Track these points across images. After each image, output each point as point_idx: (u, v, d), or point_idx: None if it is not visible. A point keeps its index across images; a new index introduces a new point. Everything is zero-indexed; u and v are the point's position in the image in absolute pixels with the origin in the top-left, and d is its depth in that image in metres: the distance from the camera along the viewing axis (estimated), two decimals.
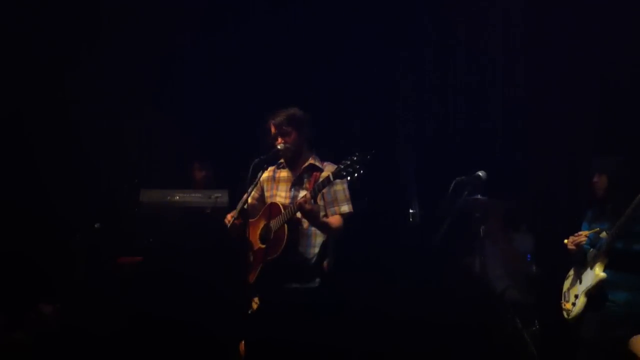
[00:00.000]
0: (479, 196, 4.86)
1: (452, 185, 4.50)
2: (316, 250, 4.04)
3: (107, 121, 6.24)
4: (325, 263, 4.06)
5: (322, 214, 4.06)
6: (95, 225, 5.29)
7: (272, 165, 4.24)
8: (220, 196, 5.17)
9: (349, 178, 3.73)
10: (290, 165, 4.19)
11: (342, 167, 3.73)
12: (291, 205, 3.95)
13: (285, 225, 3.93)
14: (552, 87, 5.67)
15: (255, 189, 4.21)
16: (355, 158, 3.71)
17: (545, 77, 5.67)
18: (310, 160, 4.14)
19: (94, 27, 6.24)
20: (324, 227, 4.00)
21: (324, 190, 3.95)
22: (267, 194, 4.25)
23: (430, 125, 6.17)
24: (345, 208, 4.08)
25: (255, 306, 4.03)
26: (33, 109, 6.01)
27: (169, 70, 6.32)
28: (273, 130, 4.12)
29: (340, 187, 4.08)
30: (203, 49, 6.45)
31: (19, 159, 5.90)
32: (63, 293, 5.36)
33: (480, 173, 4.55)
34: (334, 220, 4.05)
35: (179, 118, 6.36)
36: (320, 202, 4.06)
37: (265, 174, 4.21)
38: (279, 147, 4.13)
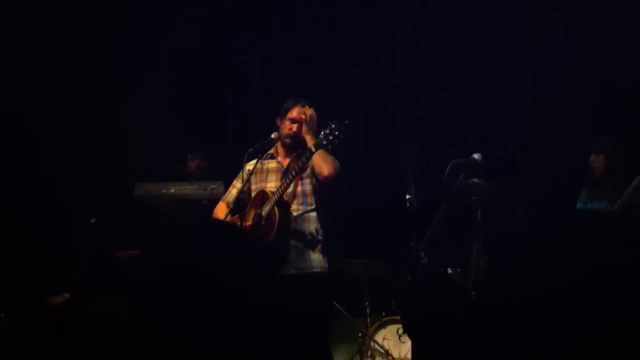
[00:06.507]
0: (475, 179, 4.82)
1: (448, 168, 4.47)
2: (310, 236, 4.03)
3: (100, 115, 6.21)
4: (320, 246, 4.05)
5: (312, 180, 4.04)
6: (92, 221, 5.25)
7: (255, 157, 4.21)
8: (216, 187, 5.14)
9: (330, 147, 3.80)
10: (283, 154, 4.19)
11: (322, 136, 3.80)
12: (279, 188, 3.93)
13: (276, 208, 3.92)
14: (549, 70, 5.65)
15: (243, 181, 4.18)
16: (333, 126, 3.78)
17: (543, 61, 5.64)
18: (299, 150, 4.11)
19: (87, 23, 6.20)
20: (319, 170, 3.96)
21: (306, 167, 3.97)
22: (253, 186, 4.21)
23: (427, 110, 6.14)
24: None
25: None
26: (27, 106, 5.98)
27: (162, 60, 6.28)
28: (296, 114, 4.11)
29: None
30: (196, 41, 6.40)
31: (13, 157, 5.87)
32: (66, 289, 5.32)
33: (476, 155, 4.50)
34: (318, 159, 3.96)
35: (172, 109, 6.34)
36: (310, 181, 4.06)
37: (249, 168, 4.19)
38: (272, 136, 4.14)
